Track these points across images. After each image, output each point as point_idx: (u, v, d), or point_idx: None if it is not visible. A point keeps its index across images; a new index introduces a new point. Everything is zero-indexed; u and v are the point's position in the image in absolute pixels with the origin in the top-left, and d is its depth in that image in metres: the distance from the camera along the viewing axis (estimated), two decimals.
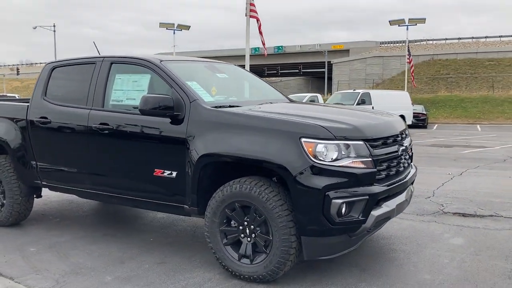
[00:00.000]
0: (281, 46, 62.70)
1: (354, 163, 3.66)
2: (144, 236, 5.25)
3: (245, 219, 3.93)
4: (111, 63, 4.87)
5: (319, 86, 66.25)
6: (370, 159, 3.73)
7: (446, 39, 57.57)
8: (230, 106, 4.37)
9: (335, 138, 3.65)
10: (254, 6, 22.78)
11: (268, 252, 3.82)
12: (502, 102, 37.23)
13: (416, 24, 32.04)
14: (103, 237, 5.23)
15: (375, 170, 3.77)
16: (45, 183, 5.37)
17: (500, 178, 8.93)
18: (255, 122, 3.95)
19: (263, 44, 24.67)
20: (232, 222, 4.03)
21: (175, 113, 4.23)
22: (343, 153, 3.65)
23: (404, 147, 4.24)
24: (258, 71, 60.74)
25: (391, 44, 59.62)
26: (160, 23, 38.85)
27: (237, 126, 3.99)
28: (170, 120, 4.28)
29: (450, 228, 5.38)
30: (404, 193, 4.20)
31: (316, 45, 61.86)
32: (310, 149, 3.62)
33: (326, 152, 3.62)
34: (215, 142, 4.01)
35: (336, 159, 3.63)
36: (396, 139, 4.18)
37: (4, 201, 5.61)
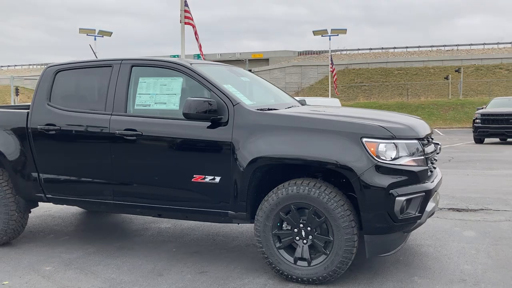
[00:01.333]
0: (198, 55, 62.57)
1: (411, 161, 3.80)
2: (164, 247, 5.02)
3: (300, 221, 3.92)
4: (132, 66, 4.63)
5: None
6: (423, 157, 3.90)
7: (359, 49, 60.91)
8: (269, 109, 4.34)
9: (395, 138, 3.77)
10: (189, 13, 22.60)
11: (328, 253, 3.83)
12: (416, 108, 39.99)
13: (338, 35, 33.63)
14: (120, 251, 4.92)
15: (427, 167, 3.95)
16: (50, 196, 4.95)
17: (461, 176, 9.61)
18: (311, 124, 3.96)
19: (200, 51, 24.55)
20: (283, 225, 4.01)
21: (218, 117, 4.13)
22: (401, 151, 3.78)
23: (434, 147, 4.47)
24: None
25: (309, 54, 61.90)
26: (80, 29, 37.12)
27: (292, 128, 3.98)
28: (210, 124, 4.17)
29: (455, 222, 5.72)
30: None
31: (237, 53, 62.60)
32: (372, 149, 3.71)
33: (387, 151, 3.73)
34: (269, 145, 3.96)
35: (395, 158, 3.75)
36: (430, 139, 4.39)
37: None
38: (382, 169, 3.69)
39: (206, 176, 4.20)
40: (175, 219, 5.32)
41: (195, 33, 23.04)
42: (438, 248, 4.76)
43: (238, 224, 4.57)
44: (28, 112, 4.97)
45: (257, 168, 4.00)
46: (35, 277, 4.25)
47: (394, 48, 60.68)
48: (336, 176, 4.02)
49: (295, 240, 3.96)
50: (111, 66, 4.71)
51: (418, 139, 3.92)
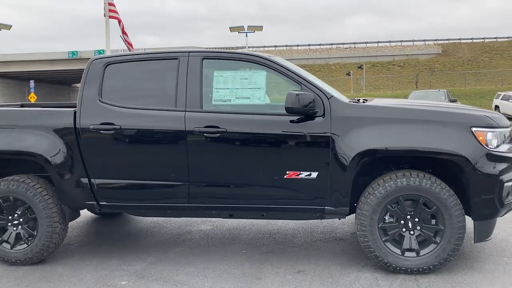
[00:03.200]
0: (102, 50, 59.60)
1: (509, 148, 4.01)
2: (229, 249, 4.76)
3: (408, 212, 3.95)
4: (203, 59, 4.31)
5: None
6: None
7: (264, 46, 62.07)
8: (360, 102, 4.31)
9: (498, 126, 3.95)
10: (114, 6, 21.57)
11: (439, 241, 3.91)
12: None
13: (254, 31, 34.00)
14: (184, 257, 4.58)
15: None
16: (104, 203, 4.45)
17: None
18: (416, 115, 4.00)
19: (131, 45, 23.56)
20: (386, 218, 4.01)
21: (315, 110, 4.01)
22: (502, 140, 3.97)
23: None
24: (78, 76, 56.64)
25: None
26: None
27: (395, 120, 3.99)
28: (304, 118, 4.03)
29: None
30: None
31: (141, 49, 60.40)
32: (482, 138, 3.85)
33: (492, 140, 3.90)
34: (376, 138, 3.93)
35: (497, 146, 3.93)
36: None
37: (35, 233, 4.48)
38: (491, 157, 3.84)
39: (301, 172, 4.06)
40: (251, 218, 5.06)
41: (122, 28, 22.04)
42: (478, 246, 4.82)
43: (323, 219, 4.47)
44: (75, 111, 4.42)
45: (362, 161, 3.96)
46: None
47: (298, 45, 62.84)
48: (430, 166, 4.12)
49: (401, 232, 3.98)
50: (176, 59, 4.35)
51: (507, 127, 4.15)
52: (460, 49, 58.49)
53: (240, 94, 4.26)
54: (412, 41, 60.80)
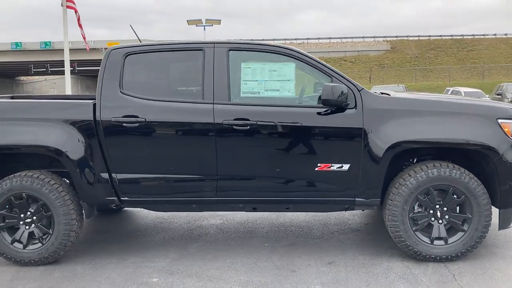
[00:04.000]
0: (49, 42, 57.32)
1: None
2: (251, 243, 4.72)
3: (437, 202, 4.06)
4: (229, 50, 4.24)
5: (92, 85, 63.01)
6: None
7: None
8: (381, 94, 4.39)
9: None
10: None
11: (466, 229, 4.05)
12: None
13: (212, 25, 33.64)
14: (208, 252, 4.50)
15: None
16: (125, 198, 4.30)
17: None
18: (445, 108, 4.12)
19: (84, 38, 22.80)
20: (416, 208, 4.11)
21: (347, 102, 4.04)
22: None
23: None
24: (23, 68, 54.39)
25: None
26: None
27: (426, 113, 4.08)
28: (334, 110, 4.06)
29: None
30: None
31: (91, 41, 58.52)
32: (507, 129, 4.01)
33: None
34: (408, 129, 4.01)
35: None
36: None
37: (50, 231, 4.27)
38: None
39: (333, 164, 4.09)
40: (275, 211, 5.03)
41: (78, 19, 21.34)
42: None
43: (346, 211, 4.51)
44: (94, 103, 4.23)
45: (395, 153, 4.03)
46: None
47: (252, 40, 63.03)
48: (451, 157, 4.26)
49: (430, 221, 4.09)
50: (201, 50, 4.25)
51: None
52: (408, 46, 60.51)
53: (269, 86, 4.22)
54: (363, 37, 62.29)
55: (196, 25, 33.97)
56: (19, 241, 4.32)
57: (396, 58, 57.82)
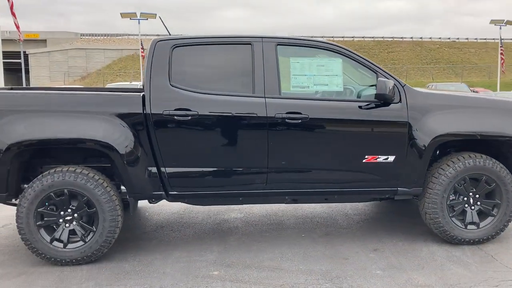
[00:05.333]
0: None
1: None
2: (285, 234, 4.83)
3: (471, 190, 4.42)
4: (277, 45, 4.32)
5: (12, 79, 58.97)
6: None
7: (147, 35, 60.15)
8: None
9: None
10: None
11: (496, 214, 4.44)
12: None
13: (147, 19, 32.78)
14: (250, 244, 4.55)
15: None
16: (174, 192, 4.25)
17: None
18: (480, 103, 4.51)
19: (17, 27, 21.52)
20: (451, 195, 4.44)
21: (394, 97, 4.28)
22: None
23: None
24: None
25: (93, 37, 58.40)
26: None
27: (461, 107, 4.42)
28: (379, 104, 4.28)
29: None
30: None
31: (6, 32, 54.66)
32: None
33: None
34: (450, 123, 4.32)
35: None
36: None
37: (94, 228, 4.12)
38: None
39: (380, 156, 4.31)
40: (316, 203, 5.13)
41: (11, 7, 20.13)
42: None
43: (380, 201, 4.75)
44: (143, 95, 4.13)
45: (437, 144, 4.32)
46: (227, 284, 3.72)
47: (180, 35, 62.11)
48: (475, 148, 4.63)
49: (464, 208, 4.45)
50: (250, 44, 4.29)
51: None
52: None
53: (318, 80, 4.35)
54: None
55: (130, 19, 33.02)
56: (59, 240, 4.12)
57: None
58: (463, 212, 4.46)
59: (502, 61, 34.74)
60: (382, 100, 4.22)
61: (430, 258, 4.17)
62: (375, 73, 4.37)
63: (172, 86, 4.15)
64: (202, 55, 4.36)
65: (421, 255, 4.24)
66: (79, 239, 4.13)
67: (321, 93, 4.39)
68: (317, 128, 4.26)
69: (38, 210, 4.04)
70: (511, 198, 4.42)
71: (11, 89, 5.04)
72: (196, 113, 4.10)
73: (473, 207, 4.46)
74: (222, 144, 4.20)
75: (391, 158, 4.31)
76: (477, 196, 4.44)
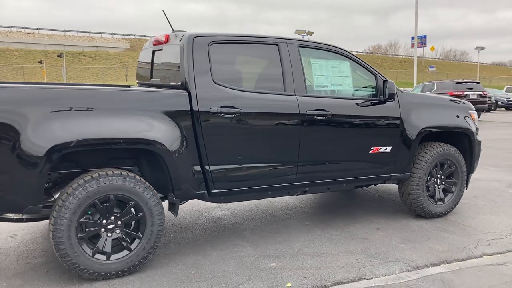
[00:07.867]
0: None
1: None
2: (291, 223, 5.13)
3: (439, 172, 5.42)
4: (299, 47, 4.63)
5: None
6: None
7: None
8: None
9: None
10: None
11: (454, 191, 5.51)
12: None
13: None
14: (274, 236, 4.76)
15: None
16: (216, 191, 4.21)
17: None
18: (442, 102, 5.51)
19: None
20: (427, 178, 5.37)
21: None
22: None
23: None
24: None
25: None
26: None
27: (435, 105, 5.36)
28: (377, 102, 4.96)
29: None
30: None
31: None
32: (473, 117, 5.65)
33: (476, 120, 5.74)
34: (426, 118, 5.20)
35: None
36: None
37: (140, 234, 3.87)
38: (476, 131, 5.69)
39: (381, 147, 4.98)
40: (322, 192, 5.37)
41: None
42: None
43: (375, 185, 5.41)
44: (189, 92, 4.01)
45: (422, 136, 5.17)
46: (296, 272, 3.92)
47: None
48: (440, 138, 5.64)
49: (435, 187, 5.42)
50: (276, 45, 4.51)
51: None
52: None
53: (334, 81, 4.80)
54: (101, 33, 60.97)
55: None
56: (102, 252, 3.74)
57: (136, 56, 58.72)
58: (434, 191, 5.42)
59: None
60: (392, 99, 4.89)
61: (423, 231, 4.99)
62: (374, 75, 5.00)
63: (218, 84, 4.12)
64: (235, 52, 4.41)
65: (414, 230, 5.02)
66: (123, 248, 3.80)
67: (337, 92, 4.84)
68: (338, 123, 4.70)
69: (80, 220, 3.61)
70: (464, 177, 5.55)
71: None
72: (240, 110, 4.15)
73: (439, 186, 5.45)
74: (262, 140, 4.33)
75: (389, 149, 5.02)
76: (443, 177, 5.44)
